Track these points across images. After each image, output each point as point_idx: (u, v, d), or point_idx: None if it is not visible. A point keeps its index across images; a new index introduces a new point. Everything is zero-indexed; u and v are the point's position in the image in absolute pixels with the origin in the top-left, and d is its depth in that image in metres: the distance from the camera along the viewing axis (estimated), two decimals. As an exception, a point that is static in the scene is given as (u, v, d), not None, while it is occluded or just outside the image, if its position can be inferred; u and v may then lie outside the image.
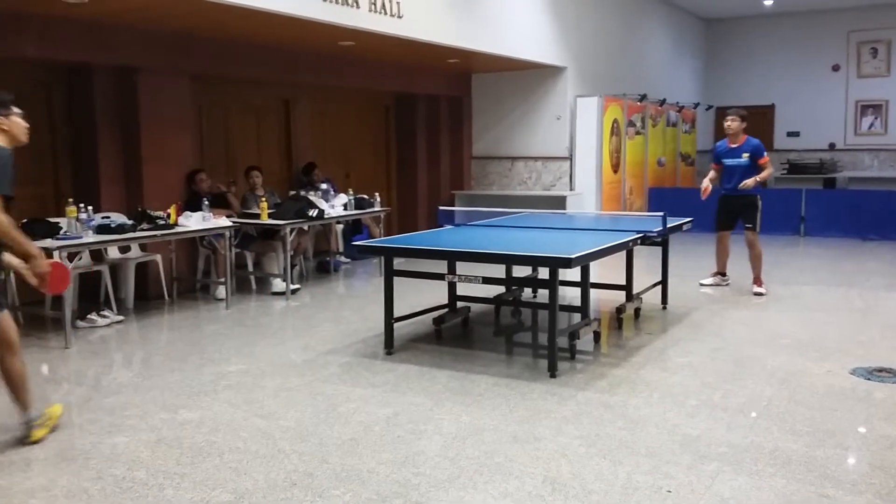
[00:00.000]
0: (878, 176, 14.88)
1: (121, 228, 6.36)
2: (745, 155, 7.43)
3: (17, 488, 3.40)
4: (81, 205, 6.21)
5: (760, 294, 7.39)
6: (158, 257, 7.42)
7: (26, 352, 5.65)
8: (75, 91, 7.45)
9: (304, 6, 6.74)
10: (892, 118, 15.37)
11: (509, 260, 5.78)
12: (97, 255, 7.08)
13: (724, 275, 7.83)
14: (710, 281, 7.83)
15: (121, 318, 6.63)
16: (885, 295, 7.75)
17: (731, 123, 7.51)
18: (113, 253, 7.23)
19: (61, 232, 6.05)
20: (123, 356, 5.79)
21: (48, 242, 5.86)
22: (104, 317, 6.49)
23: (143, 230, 6.54)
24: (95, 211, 6.58)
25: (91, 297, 7.16)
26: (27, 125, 3.99)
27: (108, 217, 6.68)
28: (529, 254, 5.31)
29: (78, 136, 7.49)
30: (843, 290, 7.90)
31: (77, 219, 6.11)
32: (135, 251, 7.42)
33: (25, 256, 3.91)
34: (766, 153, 7.49)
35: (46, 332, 6.28)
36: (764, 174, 7.39)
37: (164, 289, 7.49)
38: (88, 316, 6.44)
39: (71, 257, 6.16)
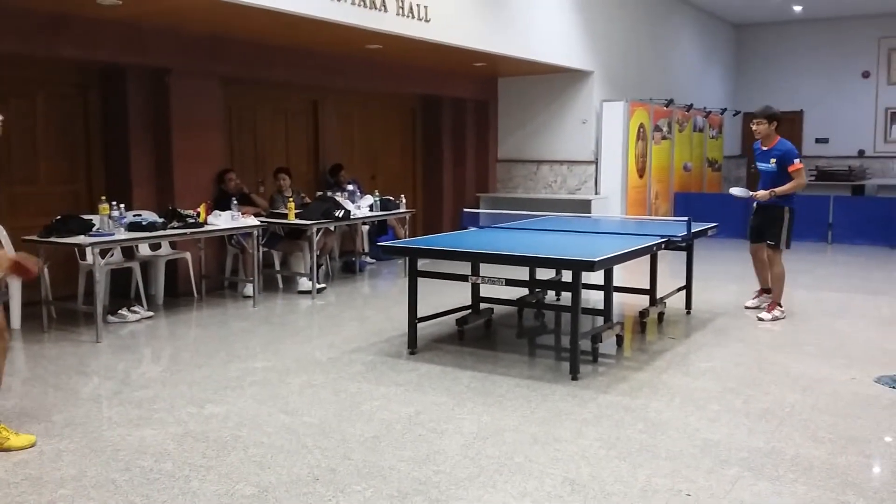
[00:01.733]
0: (907, 184, 14.70)
1: (152, 226, 6.48)
2: (773, 160, 6.48)
3: (48, 478, 3.49)
4: (114, 203, 6.34)
5: (763, 320, 6.53)
6: (188, 255, 7.54)
7: (59, 345, 5.84)
8: (109, 92, 7.60)
9: (333, 10, 6.81)
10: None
11: (533, 262, 5.80)
12: (128, 251, 7.22)
13: (768, 292, 6.92)
14: (754, 303, 7.03)
15: (151, 313, 6.76)
16: (914, 304, 7.67)
17: (758, 127, 6.51)
18: (144, 250, 7.37)
19: (94, 229, 6.18)
20: (152, 351, 5.90)
21: (81, 239, 6.01)
22: (134, 312, 6.61)
23: (173, 228, 6.66)
24: (127, 209, 6.72)
25: (122, 293, 7.30)
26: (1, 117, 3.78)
27: (140, 215, 6.81)
28: (553, 256, 5.33)
29: (111, 136, 7.64)
30: (870, 298, 7.82)
31: (109, 216, 6.24)
32: (165, 249, 7.54)
33: None
34: (797, 160, 6.45)
35: (78, 326, 6.41)
36: (787, 186, 6.39)
37: (193, 286, 7.61)
38: (119, 311, 6.56)
39: (103, 254, 6.28)
